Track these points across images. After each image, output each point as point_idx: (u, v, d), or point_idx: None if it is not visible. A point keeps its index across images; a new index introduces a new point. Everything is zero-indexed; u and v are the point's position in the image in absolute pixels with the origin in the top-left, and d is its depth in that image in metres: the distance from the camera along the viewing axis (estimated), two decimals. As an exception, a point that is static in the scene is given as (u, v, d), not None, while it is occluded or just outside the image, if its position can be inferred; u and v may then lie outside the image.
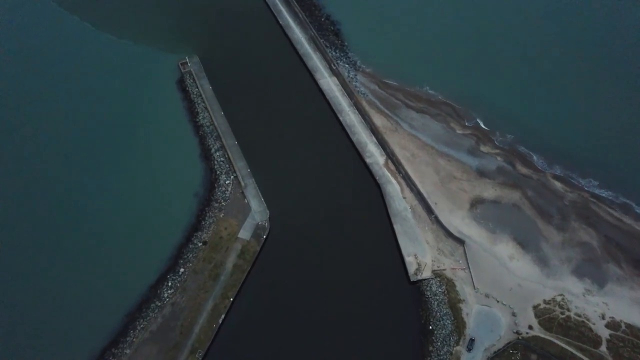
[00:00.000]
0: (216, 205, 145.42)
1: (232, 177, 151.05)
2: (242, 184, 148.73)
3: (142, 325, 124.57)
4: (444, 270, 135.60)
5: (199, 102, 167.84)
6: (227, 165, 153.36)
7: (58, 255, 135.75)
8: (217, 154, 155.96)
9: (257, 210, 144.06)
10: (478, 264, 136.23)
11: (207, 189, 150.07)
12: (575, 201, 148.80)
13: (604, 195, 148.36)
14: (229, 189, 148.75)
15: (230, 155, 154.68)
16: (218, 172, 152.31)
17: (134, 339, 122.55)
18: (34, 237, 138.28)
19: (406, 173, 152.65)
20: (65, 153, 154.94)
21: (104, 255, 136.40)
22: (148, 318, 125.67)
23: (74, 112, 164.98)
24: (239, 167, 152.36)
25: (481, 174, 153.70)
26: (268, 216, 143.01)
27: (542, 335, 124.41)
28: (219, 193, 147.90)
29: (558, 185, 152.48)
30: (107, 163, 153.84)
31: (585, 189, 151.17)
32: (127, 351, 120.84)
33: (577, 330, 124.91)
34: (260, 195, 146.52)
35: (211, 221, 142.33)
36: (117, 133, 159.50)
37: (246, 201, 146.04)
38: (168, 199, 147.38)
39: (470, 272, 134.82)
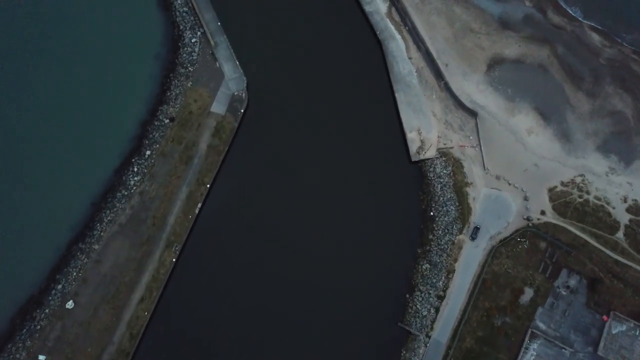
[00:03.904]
0: (182, 71, 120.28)
1: (199, 33, 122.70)
2: (212, 42, 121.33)
3: (109, 218, 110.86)
4: (451, 148, 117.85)
5: None
6: (192, 18, 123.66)
7: (7, 141, 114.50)
8: (178, 1, 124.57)
9: (232, 77, 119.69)
10: (491, 140, 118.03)
11: (169, 49, 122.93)
12: (613, 59, 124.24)
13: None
14: (196, 49, 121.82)
15: (194, 3, 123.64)
16: (182, 27, 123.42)
17: (102, 233, 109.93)
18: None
19: (413, 25, 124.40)
20: None
21: (52, 130, 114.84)
22: (115, 209, 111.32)
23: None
24: (206, 20, 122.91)
25: (504, 25, 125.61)
26: (245, 84, 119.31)
27: (555, 222, 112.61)
28: (184, 55, 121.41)
29: (595, 38, 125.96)
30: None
31: (627, 44, 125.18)
32: (96, 246, 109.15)
33: (594, 215, 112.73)
34: (235, 58, 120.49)
35: (178, 92, 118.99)
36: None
37: (218, 65, 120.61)
38: (124, 61, 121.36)
39: (481, 149, 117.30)
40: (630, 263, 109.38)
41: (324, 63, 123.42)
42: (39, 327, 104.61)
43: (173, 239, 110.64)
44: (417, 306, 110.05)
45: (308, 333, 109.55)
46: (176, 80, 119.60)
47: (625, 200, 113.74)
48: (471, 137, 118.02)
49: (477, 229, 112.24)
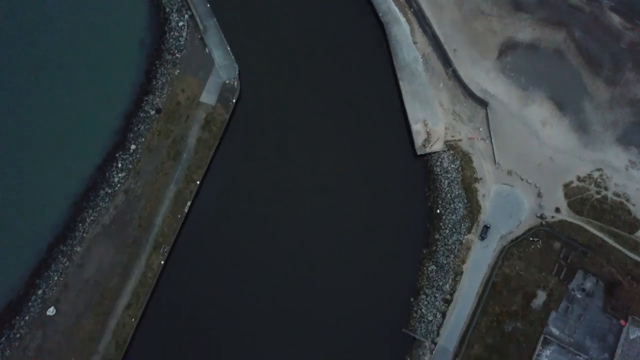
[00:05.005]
0: (169, 57, 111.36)
1: (186, 16, 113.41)
2: (201, 26, 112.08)
3: (92, 218, 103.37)
4: (459, 140, 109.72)
5: None
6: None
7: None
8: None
9: (223, 65, 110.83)
10: (502, 133, 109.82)
11: (154, 34, 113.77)
12: (635, 43, 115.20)
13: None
14: (184, 33, 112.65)
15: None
16: (167, 10, 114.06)
17: (84, 234, 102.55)
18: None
19: (419, 7, 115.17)
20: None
21: (28, 123, 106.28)
22: (98, 209, 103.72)
23: None
24: (194, 2, 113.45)
25: (517, 6, 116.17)
26: (237, 72, 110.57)
27: (570, 220, 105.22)
28: (171, 40, 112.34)
29: (616, 20, 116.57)
30: None
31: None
32: (78, 249, 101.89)
33: (612, 213, 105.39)
34: (226, 43, 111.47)
35: (164, 80, 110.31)
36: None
37: (207, 51, 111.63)
38: (105, 47, 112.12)
39: (491, 142, 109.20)
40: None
41: (322, 49, 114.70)
42: (18, 335, 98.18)
43: (161, 241, 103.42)
44: (422, 310, 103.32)
45: (306, 339, 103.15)
46: (162, 68, 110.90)
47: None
48: (481, 129, 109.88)
49: (486, 228, 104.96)
